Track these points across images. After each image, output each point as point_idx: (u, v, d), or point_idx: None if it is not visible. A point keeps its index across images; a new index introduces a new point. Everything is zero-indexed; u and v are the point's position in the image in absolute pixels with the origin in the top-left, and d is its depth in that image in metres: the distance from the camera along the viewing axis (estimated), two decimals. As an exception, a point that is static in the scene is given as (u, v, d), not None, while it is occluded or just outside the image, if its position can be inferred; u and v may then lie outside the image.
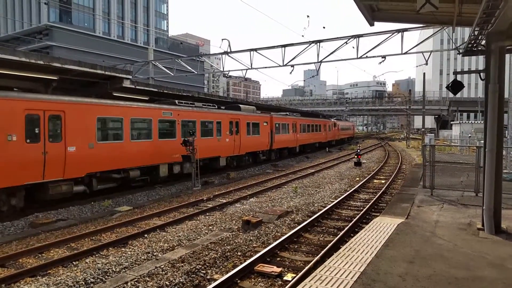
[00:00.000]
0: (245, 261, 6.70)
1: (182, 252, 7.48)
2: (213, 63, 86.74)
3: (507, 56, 7.49)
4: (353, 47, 28.82)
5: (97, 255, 7.42)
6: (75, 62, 12.69)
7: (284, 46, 20.58)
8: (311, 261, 6.59)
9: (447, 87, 8.77)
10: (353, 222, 9.21)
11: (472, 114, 69.58)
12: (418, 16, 8.30)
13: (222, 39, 25.85)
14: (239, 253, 7.40)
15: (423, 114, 40.30)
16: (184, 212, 11.23)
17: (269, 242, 7.98)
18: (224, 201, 12.49)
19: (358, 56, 19.26)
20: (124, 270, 6.56)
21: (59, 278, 6.23)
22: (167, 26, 78.07)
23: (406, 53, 18.68)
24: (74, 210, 11.30)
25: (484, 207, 7.10)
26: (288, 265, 6.77)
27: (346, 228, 8.65)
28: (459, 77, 8.76)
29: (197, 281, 6.11)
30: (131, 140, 13.54)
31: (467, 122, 47.60)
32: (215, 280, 5.89)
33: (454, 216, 8.36)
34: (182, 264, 6.79)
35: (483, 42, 7.42)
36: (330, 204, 11.58)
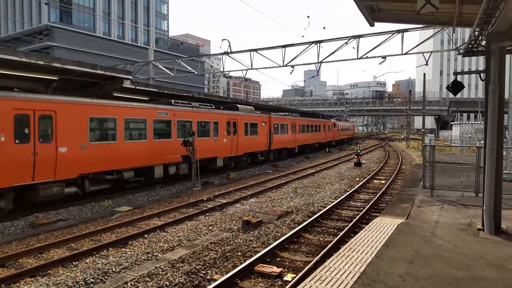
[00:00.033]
0: (245, 261, 6.70)
1: (182, 252, 7.47)
2: (213, 63, 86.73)
3: (507, 56, 7.48)
4: (353, 48, 28.81)
5: (97, 255, 7.42)
6: (75, 63, 12.70)
7: (284, 46, 20.58)
8: (311, 261, 6.59)
9: (447, 88, 8.78)
10: (353, 222, 9.21)
11: (472, 115, 69.60)
12: (419, 17, 8.30)
13: (222, 40, 25.87)
14: (239, 253, 7.40)
15: (423, 115, 40.30)
16: (184, 212, 11.23)
17: (269, 242, 7.98)
18: (224, 201, 12.49)
19: (358, 57, 19.25)
20: (124, 270, 6.56)
21: (59, 278, 6.23)
22: (168, 27, 78.25)
23: (406, 53, 18.68)
24: (74, 210, 11.30)
25: (484, 208, 7.10)
26: (288, 266, 6.77)
27: (346, 229, 8.65)
28: (459, 78, 8.77)
29: (197, 281, 6.11)
30: (125, 140, 13.28)
31: (467, 122, 47.63)
32: (215, 280, 5.89)
33: (454, 217, 8.36)
34: (182, 264, 6.79)
35: (483, 42, 7.42)
36: (330, 204, 11.58)
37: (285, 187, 15.66)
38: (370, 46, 21.42)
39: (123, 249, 7.80)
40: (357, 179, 17.61)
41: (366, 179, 16.70)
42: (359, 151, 25.76)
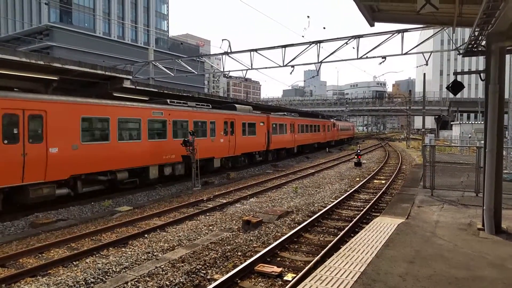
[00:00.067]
0: (245, 261, 6.70)
1: (182, 252, 7.48)
2: (214, 63, 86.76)
3: (507, 56, 7.48)
4: (353, 48, 28.82)
5: (97, 255, 7.42)
6: (76, 63, 12.70)
7: (284, 46, 20.59)
8: (311, 261, 6.60)
9: (447, 88, 8.78)
10: (353, 222, 9.22)
11: (472, 115, 69.62)
12: (419, 17, 8.31)
13: (222, 40, 25.85)
14: (239, 253, 7.41)
15: (423, 115, 40.30)
16: (184, 212, 11.23)
17: (269, 242, 7.99)
18: (224, 201, 12.49)
19: (358, 57, 19.26)
20: (124, 270, 6.57)
21: (60, 278, 6.24)
22: (168, 27, 78.23)
23: (406, 53, 18.69)
24: (74, 210, 11.30)
25: (484, 207, 7.11)
26: (288, 265, 6.78)
27: (346, 228, 8.66)
28: (459, 78, 8.78)
29: (197, 281, 6.12)
30: (119, 141, 13.05)
31: (467, 122, 47.63)
32: (215, 280, 5.89)
33: (455, 216, 8.36)
34: (182, 264, 6.80)
35: (483, 42, 7.43)
36: (330, 204, 11.58)
37: (285, 187, 15.67)
38: (370, 46, 21.45)
39: (123, 249, 7.80)
40: (357, 179, 17.62)
41: (366, 179, 16.70)
42: (359, 151, 25.75)
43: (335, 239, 7.84)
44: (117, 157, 13.00)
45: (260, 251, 7.16)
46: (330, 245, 7.46)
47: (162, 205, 12.16)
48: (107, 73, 13.88)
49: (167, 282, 5.99)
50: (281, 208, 11.14)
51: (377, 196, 12.45)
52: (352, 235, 8.06)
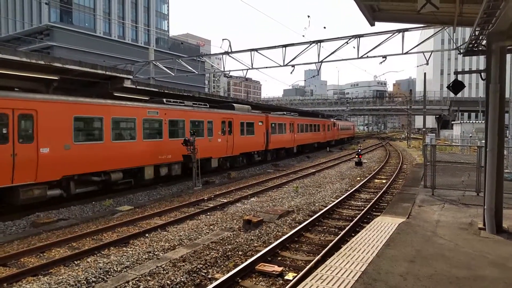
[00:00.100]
0: (246, 260, 6.71)
1: (183, 251, 7.49)
2: (214, 63, 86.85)
3: (508, 56, 7.48)
4: (354, 47, 28.83)
5: (98, 255, 7.44)
6: (76, 62, 12.71)
7: (285, 46, 20.60)
8: (312, 260, 6.60)
9: (448, 87, 8.77)
10: (354, 221, 9.22)
11: (473, 114, 69.63)
12: (419, 16, 8.30)
13: (223, 39, 25.89)
14: (240, 253, 7.41)
15: (424, 114, 40.27)
16: (185, 211, 11.24)
17: (270, 241, 7.99)
18: (225, 200, 12.50)
19: (359, 56, 19.26)
20: (125, 270, 6.58)
21: (61, 277, 6.25)
22: (168, 26, 78.21)
23: (407, 53, 18.69)
24: (75, 209, 11.32)
25: (485, 207, 7.10)
26: (289, 265, 6.78)
27: (347, 228, 8.66)
28: (459, 77, 8.77)
29: (198, 280, 6.13)
30: (113, 140, 12.84)
31: (468, 122, 47.62)
32: (216, 279, 5.90)
33: (455, 216, 8.36)
34: (183, 264, 6.81)
35: (484, 42, 7.42)
36: (331, 203, 11.58)
37: (286, 186, 15.67)
38: (371, 46, 21.38)
39: (124, 248, 7.82)
40: (358, 178, 17.62)
41: (367, 178, 16.70)
42: (359, 150, 25.73)
43: (336, 239, 7.84)
44: (111, 157, 12.80)
45: (261, 250, 7.17)
46: (331, 244, 7.46)
47: (163, 204, 12.17)
48: (107, 72, 13.89)
49: (168, 282, 6.00)
50: (282, 208, 11.15)
51: (378, 196, 12.44)
52: (353, 234, 8.06)
